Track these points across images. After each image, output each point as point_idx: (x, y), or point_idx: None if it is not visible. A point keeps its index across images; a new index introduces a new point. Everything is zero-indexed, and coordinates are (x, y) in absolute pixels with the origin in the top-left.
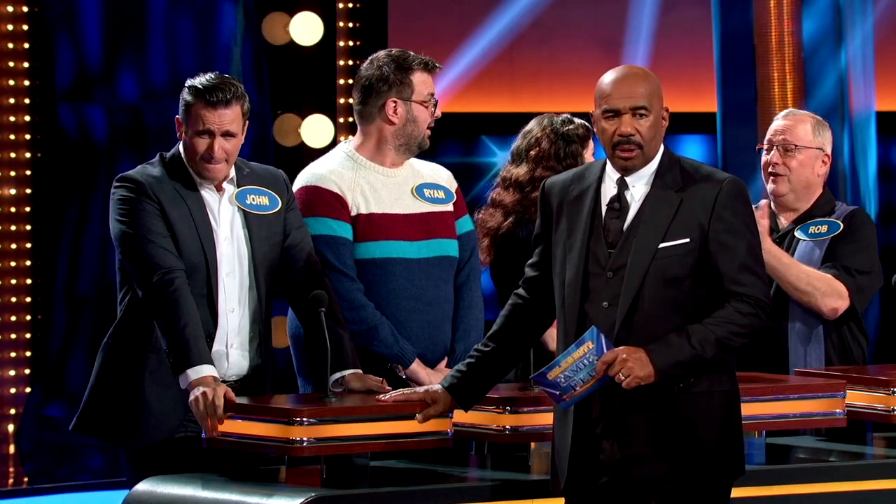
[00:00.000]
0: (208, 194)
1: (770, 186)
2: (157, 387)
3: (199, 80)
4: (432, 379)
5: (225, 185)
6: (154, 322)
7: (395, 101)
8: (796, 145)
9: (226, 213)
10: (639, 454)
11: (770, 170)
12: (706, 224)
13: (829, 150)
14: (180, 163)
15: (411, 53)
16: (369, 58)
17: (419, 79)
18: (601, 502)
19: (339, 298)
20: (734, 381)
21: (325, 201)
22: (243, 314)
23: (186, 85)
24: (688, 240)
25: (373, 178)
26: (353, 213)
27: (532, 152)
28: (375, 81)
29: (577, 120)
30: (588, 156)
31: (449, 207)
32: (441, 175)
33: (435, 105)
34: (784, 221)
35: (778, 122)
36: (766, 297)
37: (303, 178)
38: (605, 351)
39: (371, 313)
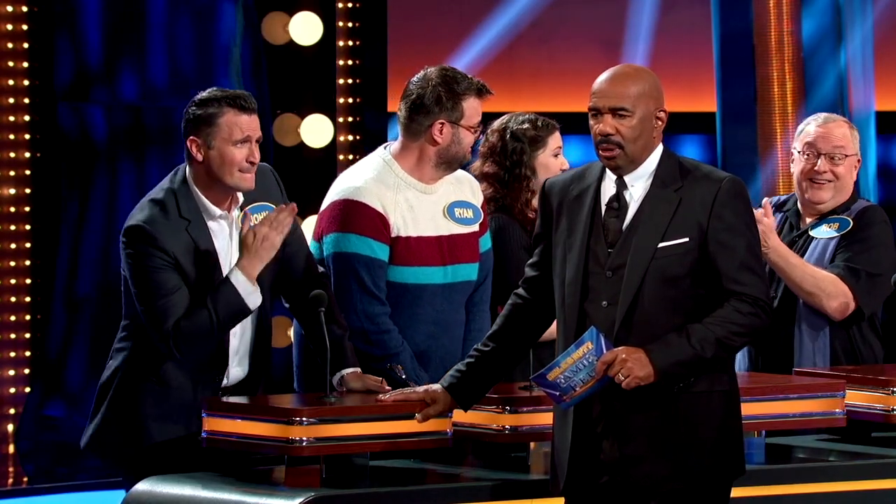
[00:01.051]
0: (216, 224)
1: (810, 193)
2: (162, 422)
3: (215, 93)
4: None
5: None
6: (161, 356)
7: (442, 123)
8: (846, 154)
9: (235, 240)
10: (639, 454)
11: (817, 178)
12: (705, 223)
13: (860, 155)
14: (189, 191)
15: (466, 76)
16: (422, 73)
17: (470, 104)
18: (601, 502)
19: (367, 320)
20: (734, 380)
21: (368, 218)
22: (247, 334)
23: (202, 99)
24: (687, 239)
25: (411, 195)
26: (394, 234)
27: (482, 147)
28: (427, 101)
29: (540, 121)
30: (543, 158)
31: (475, 228)
32: (469, 188)
33: (479, 128)
34: (808, 220)
35: (818, 129)
36: (765, 296)
37: (341, 191)
38: (604, 351)
39: (395, 338)
